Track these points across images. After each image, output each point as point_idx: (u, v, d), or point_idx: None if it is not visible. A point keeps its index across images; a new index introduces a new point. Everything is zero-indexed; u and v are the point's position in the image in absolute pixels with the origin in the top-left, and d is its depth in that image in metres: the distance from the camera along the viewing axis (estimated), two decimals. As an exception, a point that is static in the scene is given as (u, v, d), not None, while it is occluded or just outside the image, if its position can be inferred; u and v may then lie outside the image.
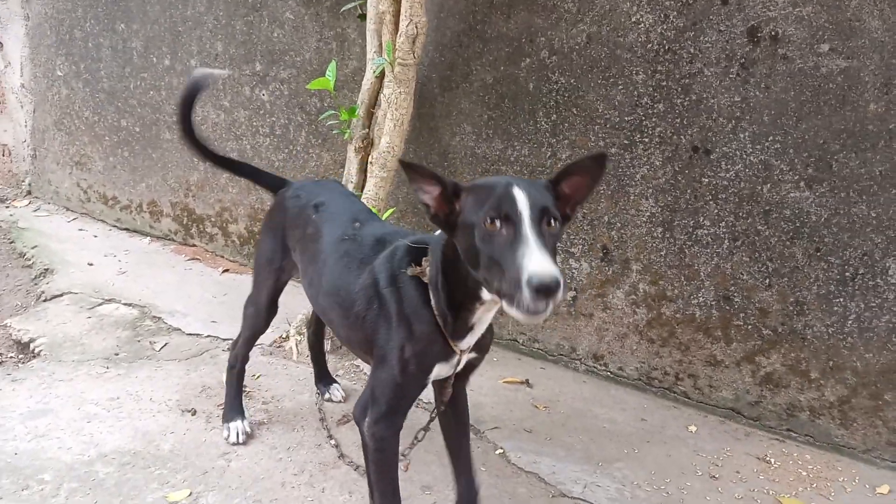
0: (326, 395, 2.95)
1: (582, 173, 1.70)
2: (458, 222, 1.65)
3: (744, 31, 2.68)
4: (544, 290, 1.39)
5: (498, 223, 1.53)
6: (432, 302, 1.84)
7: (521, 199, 1.54)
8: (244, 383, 2.92)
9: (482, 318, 1.85)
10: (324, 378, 3.00)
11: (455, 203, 1.66)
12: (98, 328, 3.37)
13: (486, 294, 1.66)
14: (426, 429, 2.17)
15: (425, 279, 1.85)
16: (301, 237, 2.34)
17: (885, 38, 2.49)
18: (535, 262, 1.43)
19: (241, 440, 2.61)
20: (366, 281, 2.00)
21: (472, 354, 2.00)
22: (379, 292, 1.95)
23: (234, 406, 2.68)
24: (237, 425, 2.64)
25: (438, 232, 1.84)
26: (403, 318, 1.89)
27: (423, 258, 1.86)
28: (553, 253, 1.53)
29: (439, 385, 2.10)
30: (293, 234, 2.39)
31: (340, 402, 2.93)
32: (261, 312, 2.64)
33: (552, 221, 1.57)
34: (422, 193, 1.68)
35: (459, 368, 2.00)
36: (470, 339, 1.91)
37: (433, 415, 2.14)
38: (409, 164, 1.64)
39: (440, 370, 1.94)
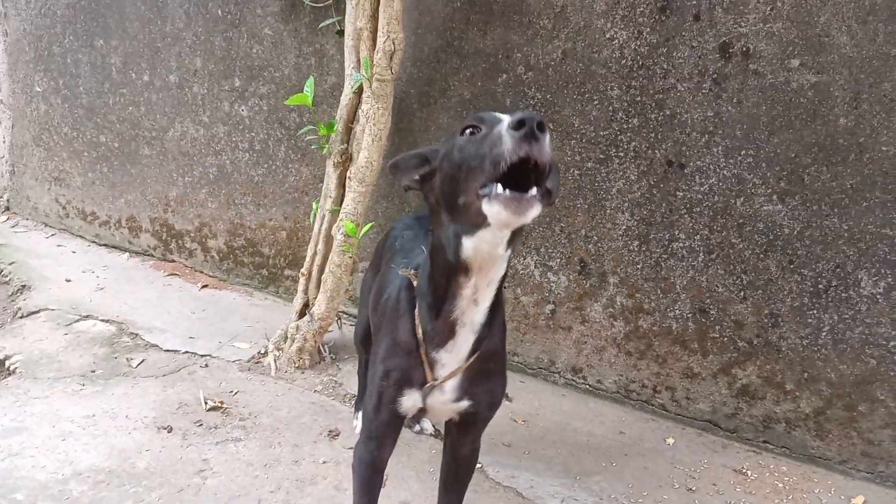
0: (417, 427, 2.89)
1: None
2: (438, 170, 1.53)
3: (716, 47, 2.72)
4: (527, 125, 1.20)
5: (478, 129, 1.38)
6: (416, 309, 1.71)
7: (499, 113, 1.41)
8: (222, 400, 2.92)
9: (468, 311, 1.61)
10: None
11: (434, 160, 1.58)
12: (75, 345, 3.34)
13: (468, 247, 1.45)
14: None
15: (415, 282, 1.74)
16: (385, 263, 2.30)
17: (853, 54, 2.53)
18: (516, 115, 1.24)
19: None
20: (389, 293, 1.93)
21: (465, 402, 1.78)
22: (387, 305, 1.88)
23: (361, 397, 2.81)
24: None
25: None
26: (389, 325, 1.81)
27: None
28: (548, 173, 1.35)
29: (449, 440, 2.01)
30: (383, 262, 2.36)
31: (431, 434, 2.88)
32: (359, 337, 2.68)
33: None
34: (405, 177, 1.63)
35: (438, 407, 1.80)
36: (451, 356, 1.69)
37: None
38: (393, 163, 1.61)
39: (415, 399, 1.76)
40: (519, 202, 1.24)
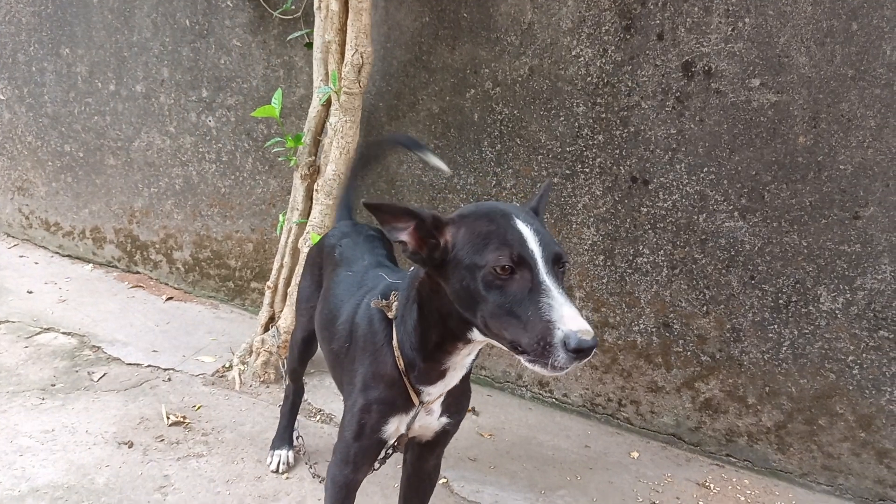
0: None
1: (544, 203, 1.68)
2: (448, 259, 1.45)
3: (678, 66, 2.76)
4: (584, 352, 1.26)
5: (509, 269, 1.36)
6: (394, 341, 1.68)
7: (530, 237, 1.39)
8: (184, 415, 2.88)
9: (460, 363, 1.66)
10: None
11: (438, 237, 1.47)
12: (35, 358, 3.28)
13: (476, 335, 1.49)
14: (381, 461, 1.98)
15: (390, 314, 1.69)
16: (326, 274, 2.28)
17: (812, 74, 2.59)
18: (570, 319, 1.28)
19: (281, 470, 2.61)
20: (347, 317, 1.90)
21: (444, 419, 1.82)
22: (352, 329, 1.84)
23: (281, 436, 2.68)
24: (280, 453, 2.65)
25: (412, 268, 1.70)
26: (365, 357, 1.76)
27: (394, 293, 1.71)
28: None
29: (411, 456, 2.00)
30: (325, 272, 2.33)
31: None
32: (295, 347, 2.58)
33: (564, 265, 1.44)
34: (395, 232, 1.49)
35: (421, 431, 1.82)
36: (440, 388, 1.71)
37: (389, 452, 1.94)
38: (376, 204, 1.46)
39: (399, 424, 1.75)
40: (555, 370, 1.31)
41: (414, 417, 1.74)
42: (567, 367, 1.29)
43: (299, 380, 2.65)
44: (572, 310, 1.29)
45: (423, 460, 1.99)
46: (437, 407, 1.78)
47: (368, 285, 1.94)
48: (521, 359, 1.36)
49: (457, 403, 1.84)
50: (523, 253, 1.36)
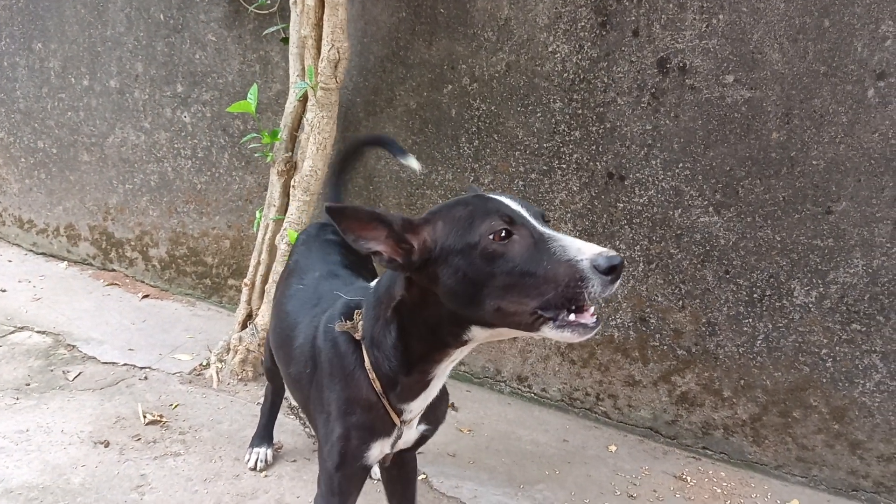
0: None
1: None
2: (433, 258, 1.36)
3: (654, 62, 2.78)
4: (616, 269, 1.20)
5: (506, 231, 1.29)
6: (366, 363, 1.58)
7: (510, 202, 1.36)
8: (161, 413, 2.87)
9: (446, 370, 1.58)
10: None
11: (412, 241, 1.38)
12: (9, 357, 3.24)
13: (476, 333, 1.40)
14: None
15: (357, 336, 1.59)
16: (279, 282, 2.19)
17: (784, 71, 2.61)
18: (588, 248, 1.24)
19: (259, 467, 2.60)
20: (305, 339, 1.79)
21: (423, 426, 1.76)
22: (314, 353, 1.72)
23: (261, 433, 2.66)
24: (259, 451, 2.63)
25: (374, 282, 1.62)
26: (335, 382, 1.65)
27: (357, 311, 1.61)
28: None
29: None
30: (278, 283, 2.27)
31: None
32: (269, 348, 2.46)
33: (549, 222, 1.39)
34: (364, 242, 1.37)
35: (402, 445, 1.74)
36: (421, 402, 1.63)
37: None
38: (338, 209, 1.34)
39: (382, 447, 1.68)
40: (587, 330, 1.26)
41: (397, 438, 1.68)
42: (606, 293, 1.22)
43: (277, 378, 2.62)
44: (586, 243, 1.25)
45: (401, 464, 1.95)
46: (415, 421, 1.72)
47: (324, 303, 1.82)
48: (547, 329, 1.27)
49: (435, 411, 1.77)
50: (512, 214, 1.31)
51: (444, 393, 1.79)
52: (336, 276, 2.00)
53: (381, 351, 1.54)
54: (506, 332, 1.39)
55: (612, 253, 1.21)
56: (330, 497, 1.72)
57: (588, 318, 1.26)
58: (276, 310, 2.07)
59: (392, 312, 1.50)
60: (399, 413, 1.62)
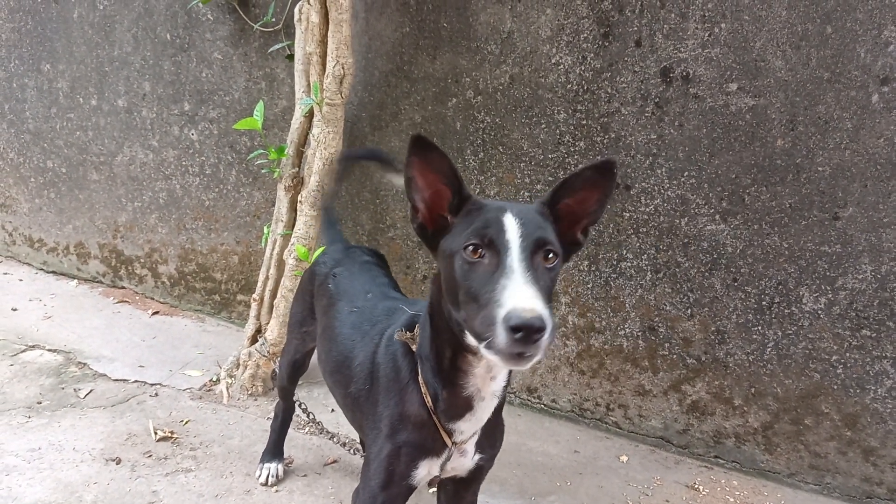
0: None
1: (587, 187, 1.43)
2: (441, 246, 1.41)
3: (657, 72, 2.79)
4: (523, 331, 1.15)
5: (481, 251, 1.30)
6: (419, 375, 1.57)
7: (511, 225, 1.31)
8: (172, 430, 2.87)
9: (485, 390, 1.53)
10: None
11: (451, 218, 1.41)
12: (21, 376, 3.26)
13: (472, 341, 1.36)
14: None
15: (414, 346, 1.59)
16: (321, 307, 2.16)
17: (788, 78, 2.62)
18: (516, 295, 1.20)
19: (270, 482, 2.61)
20: (365, 357, 1.78)
21: (478, 456, 1.70)
22: (374, 369, 1.72)
23: (272, 449, 2.66)
24: (270, 466, 2.63)
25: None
26: (390, 397, 1.64)
27: (417, 324, 1.60)
28: (546, 291, 1.29)
29: (444, 495, 1.88)
30: (318, 303, 2.21)
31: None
32: (285, 366, 2.49)
33: (549, 255, 1.34)
34: (415, 190, 1.41)
35: (453, 470, 1.70)
36: (470, 425, 1.59)
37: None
38: (428, 143, 1.36)
39: (430, 468, 1.64)
40: (515, 360, 1.22)
41: (447, 459, 1.64)
42: (506, 350, 1.18)
43: (289, 398, 2.63)
44: (525, 288, 1.21)
45: (458, 499, 1.88)
46: (470, 447, 1.67)
47: (383, 322, 1.83)
48: (481, 348, 1.26)
49: (489, 438, 1.72)
50: (495, 237, 1.30)
51: (498, 422, 1.74)
52: (390, 297, 2.01)
53: (424, 358, 1.55)
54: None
55: (526, 313, 1.15)
56: None
57: (511, 348, 1.21)
58: (326, 336, 2.04)
59: (428, 307, 1.53)
60: (450, 434, 1.60)
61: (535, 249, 1.32)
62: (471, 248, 1.31)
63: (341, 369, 1.88)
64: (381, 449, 1.63)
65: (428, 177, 1.40)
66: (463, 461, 1.69)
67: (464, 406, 1.55)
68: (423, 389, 1.57)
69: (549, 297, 1.33)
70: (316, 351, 2.20)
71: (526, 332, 1.15)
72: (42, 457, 2.67)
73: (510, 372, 1.57)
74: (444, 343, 1.49)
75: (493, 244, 1.30)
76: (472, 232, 1.32)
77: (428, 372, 1.55)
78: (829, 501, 2.86)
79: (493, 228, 1.32)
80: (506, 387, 1.60)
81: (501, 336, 1.18)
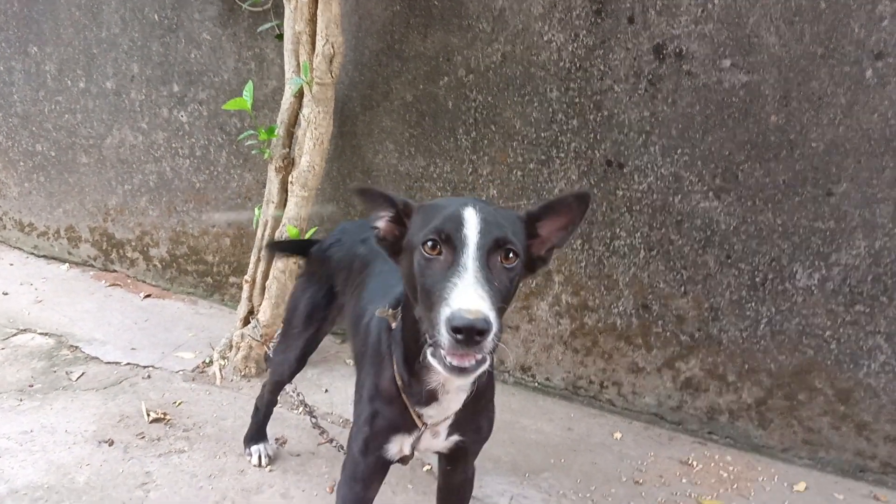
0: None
1: (562, 212, 1.45)
2: (402, 246, 1.43)
3: (650, 49, 2.77)
4: (464, 333, 1.13)
5: (438, 247, 1.29)
6: (394, 355, 1.60)
7: (470, 222, 1.29)
8: (165, 411, 2.87)
9: (448, 384, 1.52)
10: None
11: (406, 224, 1.44)
12: (12, 359, 3.24)
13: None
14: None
15: (393, 324, 1.60)
16: (348, 275, 2.15)
17: (781, 53, 2.60)
18: (462, 295, 1.17)
19: (263, 463, 2.60)
20: (368, 319, 1.81)
21: (456, 437, 1.72)
22: (367, 335, 1.77)
23: (255, 434, 2.64)
24: (258, 448, 2.62)
25: None
26: (372, 365, 1.69)
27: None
28: (502, 293, 1.27)
29: (440, 470, 1.93)
30: (340, 277, 2.20)
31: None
32: (290, 363, 2.43)
33: (510, 255, 1.32)
34: (374, 218, 1.48)
35: (427, 449, 1.74)
36: (436, 412, 1.60)
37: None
38: (364, 189, 1.47)
39: (402, 444, 1.67)
40: (455, 370, 1.23)
41: (418, 439, 1.66)
42: (453, 360, 1.19)
43: (277, 394, 2.60)
44: (474, 288, 1.18)
45: (450, 474, 1.92)
46: (443, 429, 1.68)
47: (398, 288, 1.79)
48: (428, 352, 1.27)
49: (471, 423, 1.72)
50: (453, 234, 1.28)
51: (481, 409, 1.74)
52: None
53: (396, 342, 1.59)
54: None
55: (468, 314, 1.13)
56: (353, 483, 1.74)
57: (458, 359, 1.22)
58: (356, 294, 2.06)
59: (403, 300, 1.54)
60: (419, 415, 1.61)
61: (493, 248, 1.29)
62: (429, 243, 1.30)
63: (356, 325, 1.91)
64: (361, 413, 1.70)
65: (378, 207, 1.48)
66: (435, 442, 1.72)
67: (428, 396, 1.57)
68: (395, 368, 1.60)
69: (507, 297, 1.32)
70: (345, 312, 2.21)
71: (467, 334, 1.13)
72: (34, 439, 2.67)
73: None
74: (409, 332, 1.50)
75: (450, 240, 1.29)
76: (432, 227, 1.31)
77: (399, 355, 1.57)
78: (822, 476, 2.88)
79: (452, 224, 1.30)
80: (477, 380, 1.55)
81: (444, 336, 1.17)
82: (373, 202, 1.47)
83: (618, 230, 3.00)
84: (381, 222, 1.48)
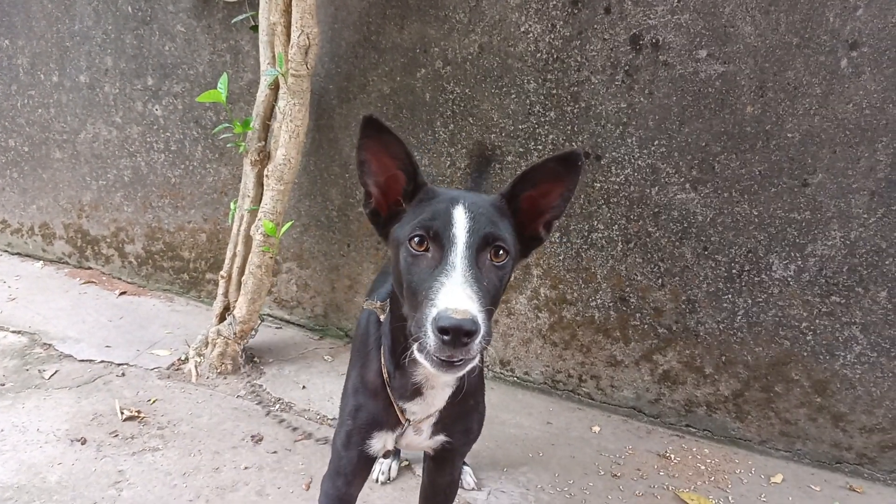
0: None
1: (550, 180, 1.38)
2: (391, 234, 1.37)
3: (626, 39, 2.75)
4: (451, 333, 1.10)
5: (426, 244, 1.26)
6: (382, 347, 1.57)
7: (459, 219, 1.26)
8: (139, 409, 2.83)
9: (433, 379, 1.49)
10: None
11: (405, 205, 1.37)
12: (-17, 359, 3.19)
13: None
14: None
15: (382, 317, 1.57)
16: None
17: (757, 44, 2.60)
18: (449, 295, 1.14)
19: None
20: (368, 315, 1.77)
21: (441, 437, 1.68)
22: (358, 325, 1.75)
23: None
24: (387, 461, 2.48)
25: None
26: (359, 357, 1.67)
27: None
28: (490, 293, 1.24)
29: (426, 471, 1.89)
30: None
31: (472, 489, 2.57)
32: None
33: (499, 252, 1.29)
34: (368, 174, 1.35)
35: (410, 446, 1.70)
36: (420, 408, 1.57)
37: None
38: (378, 123, 1.29)
39: (385, 440, 1.64)
40: (442, 367, 1.19)
41: (401, 435, 1.63)
42: (434, 354, 1.15)
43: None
44: (461, 288, 1.15)
45: (435, 474, 1.88)
46: (426, 427, 1.65)
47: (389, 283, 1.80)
48: (415, 348, 1.22)
49: (459, 423, 1.68)
50: (441, 231, 1.25)
51: (468, 409, 1.71)
52: None
53: (384, 335, 1.55)
54: None
55: (454, 314, 1.10)
56: (336, 476, 1.71)
57: (439, 351, 1.17)
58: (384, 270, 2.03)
59: (392, 294, 1.49)
60: (402, 410, 1.59)
61: (482, 246, 1.26)
62: (416, 239, 1.27)
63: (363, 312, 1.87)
64: (346, 405, 1.67)
65: (382, 161, 1.35)
66: (418, 439, 1.68)
67: (413, 391, 1.54)
68: (382, 361, 1.57)
69: (496, 297, 1.29)
70: None
71: (454, 335, 1.10)
72: (5, 438, 2.62)
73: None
74: (398, 329, 1.45)
75: (438, 237, 1.25)
76: (419, 223, 1.28)
77: (386, 349, 1.54)
78: (799, 467, 2.89)
79: (440, 220, 1.26)
80: (463, 378, 1.50)
81: (430, 337, 1.14)
82: (383, 147, 1.31)
83: (595, 223, 2.98)
84: (376, 187, 1.37)
